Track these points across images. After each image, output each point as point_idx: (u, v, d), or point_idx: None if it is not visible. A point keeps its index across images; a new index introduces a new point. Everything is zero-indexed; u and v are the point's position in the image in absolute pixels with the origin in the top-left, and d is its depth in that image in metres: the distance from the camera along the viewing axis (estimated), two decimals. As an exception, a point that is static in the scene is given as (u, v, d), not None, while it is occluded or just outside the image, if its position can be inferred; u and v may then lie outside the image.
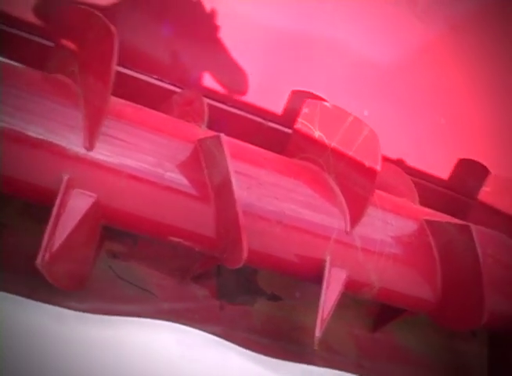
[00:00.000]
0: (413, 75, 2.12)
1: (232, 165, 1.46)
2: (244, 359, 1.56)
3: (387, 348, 2.01)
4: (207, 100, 1.75)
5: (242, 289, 1.89)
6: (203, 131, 1.61)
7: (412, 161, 2.13)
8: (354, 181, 1.64)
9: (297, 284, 1.94)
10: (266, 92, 2.00)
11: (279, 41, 1.97)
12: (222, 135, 1.47)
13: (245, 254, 1.44)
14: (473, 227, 1.68)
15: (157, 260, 1.79)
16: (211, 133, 1.54)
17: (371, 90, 2.10)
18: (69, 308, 1.42)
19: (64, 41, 1.58)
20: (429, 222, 1.75)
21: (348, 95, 2.06)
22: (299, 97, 1.93)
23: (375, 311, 2.01)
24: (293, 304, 1.91)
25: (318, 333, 1.58)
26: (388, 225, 1.70)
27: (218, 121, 1.79)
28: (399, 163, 2.10)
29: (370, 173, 1.60)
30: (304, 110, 1.79)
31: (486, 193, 2.05)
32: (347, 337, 1.95)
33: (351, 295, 1.82)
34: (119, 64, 1.40)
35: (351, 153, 1.64)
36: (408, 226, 1.75)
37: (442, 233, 1.73)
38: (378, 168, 1.59)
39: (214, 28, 1.91)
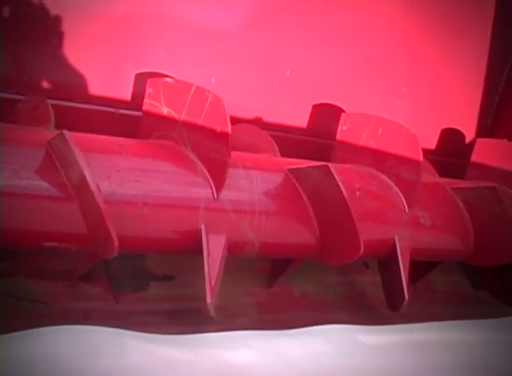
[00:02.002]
0: (254, 36, 2.16)
1: (85, 158, 1.46)
2: (142, 342, 1.57)
3: (286, 298, 2.07)
4: (54, 101, 1.74)
5: (133, 277, 1.90)
6: (51, 133, 1.60)
7: (268, 117, 2.18)
8: (209, 148, 1.67)
9: (187, 260, 1.97)
10: (112, 81, 1.99)
11: (114, 27, 1.96)
12: (65, 131, 1.46)
13: (116, 243, 1.45)
14: (332, 166, 1.74)
15: (43, 269, 1.77)
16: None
17: (215, 57, 2.13)
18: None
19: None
20: (292, 171, 1.80)
21: (194, 66, 2.08)
22: (144, 78, 1.94)
23: (267, 267, 2.07)
24: (187, 279, 1.94)
25: (209, 300, 1.62)
26: (254, 182, 1.74)
27: (71, 120, 1.78)
28: (256, 121, 2.15)
29: (223, 137, 1.64)
30: (149, 90, 1.80)
31: (342, 131, 2.13)
32: (245, 298, 2.00)
33: (239, 257, 1.87)
34: None
35: (200, 122, 1.67)
36: (273, 179, 1.80)
37: (306, 178, 1.79)
38: (228, 130, 1.63)
39: (46, 28, 1.88)
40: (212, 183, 1.67)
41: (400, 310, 2.04)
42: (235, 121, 2.04)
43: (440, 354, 1.95)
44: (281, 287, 2.07)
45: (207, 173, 1.68)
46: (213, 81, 2.06)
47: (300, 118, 2.25)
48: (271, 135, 2.03)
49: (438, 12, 2.55)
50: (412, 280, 2.35)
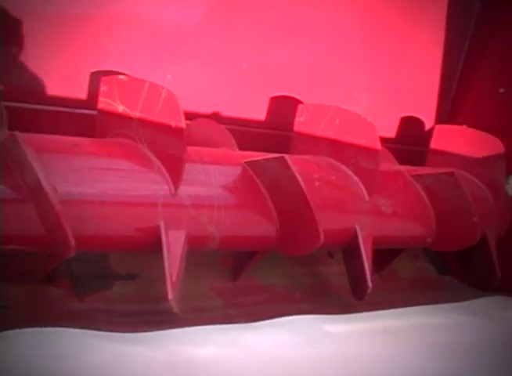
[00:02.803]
0: (210, 31, 2.16)
1: (39, 159, 1.45)
2: (107, 341, 1.57)
3: (251, 292, 2.08)
4: (7, 103, 1.72)
5: (97, 277, 1.89)
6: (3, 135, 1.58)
7: (226, 111, 2.18)
8: (165, 144, 1.67)
9: (151, 258, 1.96)
10: (66, 81, 1.98)
11: (68, 26, 1.94)
12: (17, 132, 1.45)
13: (72, 243, 1.44)
14: (288, 157, 1.75)
15: (2, 272, 1.76)
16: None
17: (170, 54, 2.12)
18: None
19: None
20: (249, 164, 1.80)
21: (149, 63, 2.08)
22: (99, 77, 1.92)
23: (231, 261, 2.08)
24: (151, 277, 1.93)
25: (171, 296, 1.62)
26: (211, 176, 1.74)
27: (26, 122, 1.76)
28: (214, 115, 2.15)
29: (178, 132, 1.63)
30: (103, 88, 1.79)
31: (300, 122, 2.13)
32: (210, 292, 2.00)
33: (201, 252, 1.88)
34: None
35: (155, 119, 1.67)
36: (231, 173, 1.80)
37: (264, 170, 1.79)
38: (183, 125, 1.62)
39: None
40: (169, 179, 1.66)
41: (364, 298, 2.05)
42: (192, 116, 2.05)
43: (406, 339, 1.98)
44: (245, 280, 2.07)
45: (164, 169, 1.67)
46: (169, 77, 2.06)
47: (257, 111, 2.26)
48: (229, 129, 2.03)
49: (395, 0, 2.57)
50: (377, 267, 2.38)
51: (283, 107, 2.28)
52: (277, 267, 2.17)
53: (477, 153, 2.53)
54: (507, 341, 2.05)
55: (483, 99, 2.77)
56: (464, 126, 2.63)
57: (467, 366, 1.78)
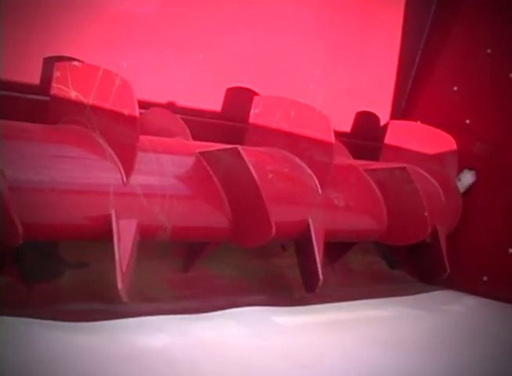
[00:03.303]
0: (167, 20, 2.14)
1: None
2: (54, 330, 1.55)
3: (203, 282, 2.07)
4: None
5: (45, 266, 1.87)
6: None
7: (182, 101, 2.17)
8: (118, 132, 1.65)
9: (102, 246, 1.94)
10: (19, 66, 1.94)
11: (23, 11, 1.90)
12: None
13: (19, 230, 1.42)
14: (242, 148, 1.75)
15: None
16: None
17: (126, 41, 2.09)
18: None
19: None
20: (203, 154, 1.80)
21: (105, 50, 2.05)
22: (53, 63, 1.89)
23: (183, 252, 2.07)
24: (101, 266, 1.91)
25: (120, 285, 1.61)
26: (164, 166, 1.73)
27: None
28: (169, 105, 2.13)
29: (131, 120, 1.62)
30: (56, 73, 1.76)
31: (255, 114, 2.13)
32: (161, 283, 1.99)
33: (154, 242, 1.86)
34: None
35: (108, 106, 1.65)
36: (184, 163, 1.80)
37: (217, 161, 1.79)
38: (136, 113, 1.61)
39: None
40: (121, 168, 1.65)
41: (316, 291, 2.07)
42: (147, 105, 2.03)
43: (355, 331, 2.00)
44: (197, 271, 2.07)
45: (116, 158, 1.65)
46: (124, 65, 2.04)
47: (213, 102, 2.25)
48: (184, 120, 2.01)
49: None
50: (330, 261, 2.40)
51: (239, 99, 2.27)
52: (230, 259, 2.17)
53: (430, 149, 2.57)
54: (451, 334, 2.09)
55: (437, 97, 2.81)
56: (418, 123, 2.67)
57: (412, 358, 1.81)
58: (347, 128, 2.69)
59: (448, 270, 2.45)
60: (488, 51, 2.66)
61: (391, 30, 2.75)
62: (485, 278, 2.55)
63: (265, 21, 2.33)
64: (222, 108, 2.26)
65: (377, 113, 2.78)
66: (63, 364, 1.45)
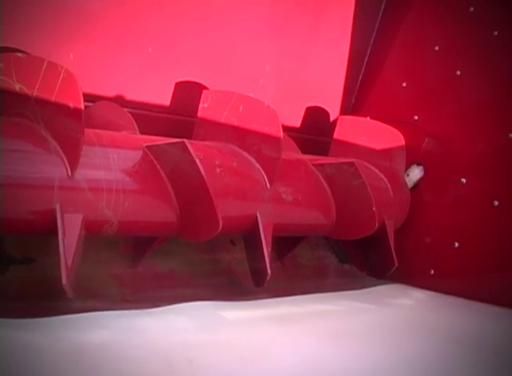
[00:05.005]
0: (116, 12, 2.11)
1: None
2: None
3: (151, 277, 2.06)
4: None
5: (-11, 261, 1.84)
6: None
7: (130, 94, 2.15)
8: (63, 125, 1.62)
9: (48, 241, 1.92)
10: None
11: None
12: None
13: (-40, 224, 1.39)
14: (189, 142, 1.74)
15: None
16: None
17: (74, 33, 2.06)
18: None
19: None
20: (150, 148, 1.78)
21: (52, 41, 2.01)
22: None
23: (130, 247, 2.05)
24: (49, 262, 1.89)
25: (65, 281, 1.58)
26: (110, 160, 1.71)
27: None
28: (117, 98, 2.10)
29: (76, 113, 1.60)
30: (0, 65, 1.73)
31: (203, 108, 2.12)
32: (108, 278, 1.97)
33: (101, 237, 1.84)
34: None
35: (53, 99, 1.62)
36: (130, 157, 1.78)
37: (164, 155, 1.78)
38: (81, 106, 1.59)
39: None
40: (66, 162, 1.62)
41: (264, 285, 2.07)
42: (94, 98, 2.01)
43: (303, 325, 2.00)
44: (145, 266, 2.06)
45: (60, 151, 1.63)
46: (71, 57, 2.01)
47: (162, 96, 2.23)
48: (132, 113, 2.00)
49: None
50: (279, 255, 2.41)
51: (188, 93, 2.26)
52: (179, 253, 2.16)
53: (379, 144, 2.59)
54: (399, 327, 2.12)
55: (387, 93, 2.84)
56: (368, 118, 2.69)
57: (361, 351, 1.82)
58: (297, 123, 2.70)
59: (396, 264, 2.48)
60: (436, 48, 2.69)
61: (341, 26, 2.77)
62: (432, 271, 2.59)
63: (214, 15, 2.32)
64: (171, 102, 2.24)
65: (327, 109, 2.79)
66: (7, 361, 1.43)
